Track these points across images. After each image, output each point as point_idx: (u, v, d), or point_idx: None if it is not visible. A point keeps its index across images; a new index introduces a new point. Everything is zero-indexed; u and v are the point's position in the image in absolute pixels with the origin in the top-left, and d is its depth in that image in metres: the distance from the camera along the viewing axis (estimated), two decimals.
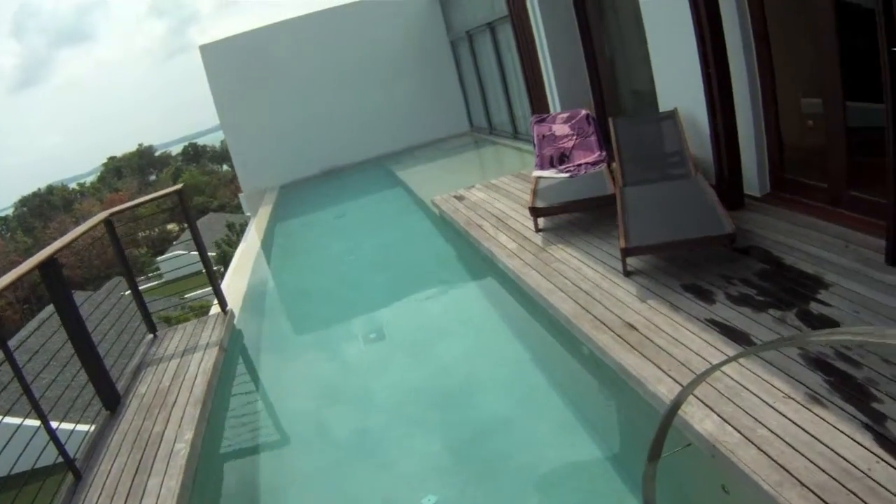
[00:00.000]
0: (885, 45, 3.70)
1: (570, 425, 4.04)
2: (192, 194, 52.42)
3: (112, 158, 75.01)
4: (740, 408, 3.08)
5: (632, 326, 4.15)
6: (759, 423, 2.95)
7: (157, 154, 78.08)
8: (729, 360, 1.98)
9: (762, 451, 2.78)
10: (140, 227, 43.42)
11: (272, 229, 11.53)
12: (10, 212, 68.40)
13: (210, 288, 6.77)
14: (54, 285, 4.88)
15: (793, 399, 3.05)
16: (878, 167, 4.03)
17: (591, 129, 7.65)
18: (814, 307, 3.85)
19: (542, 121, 8.07)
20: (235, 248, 13.75)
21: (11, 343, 4.62)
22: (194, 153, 73.73)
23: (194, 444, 4.30)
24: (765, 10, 5.33)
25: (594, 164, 7.21)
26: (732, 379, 3.30)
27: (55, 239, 5.37)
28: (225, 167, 61.96)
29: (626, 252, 4.86)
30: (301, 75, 15.15)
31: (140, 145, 75.91)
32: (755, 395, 3.15)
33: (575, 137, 7.66)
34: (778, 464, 2.68)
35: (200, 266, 6.66)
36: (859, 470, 2.55)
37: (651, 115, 6.90)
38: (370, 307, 6.99)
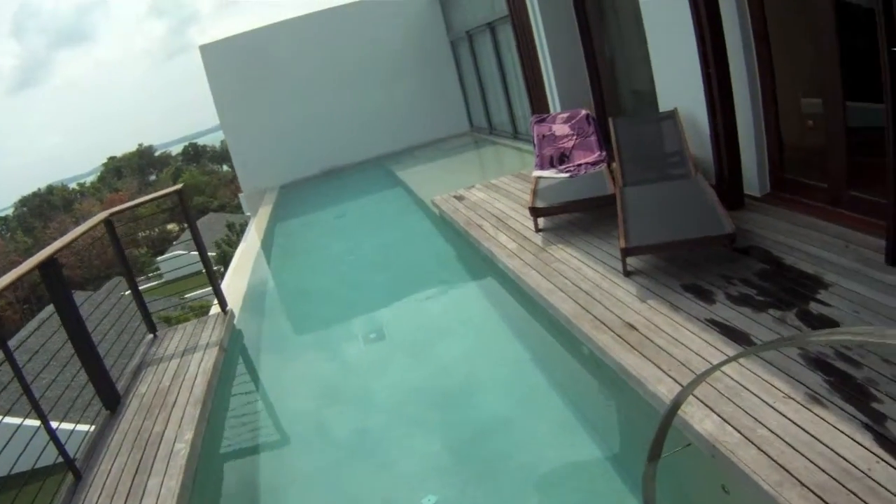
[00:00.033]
0: (885, 44, 3.70)
1: (570, 425, 4.04)
2: (192, 194, 52.43)
3: (112, 158, 75.01)
4: (740, 408, 3.08)
5: (632, 326, 4.15)
6: (759, 423, 2.95)
7: (157, 154, 78.08)
8: (728, 360, 1.98)
9: (762, 451, 2.77)
10: (140, 227, 43.44)
11: (272, 229, 11.53)
12: (10, 212, 68.42)
13: (210, 288, 6.77)
14: (54, 285, 4.88)
15: (793, 399, 3.05)
16: (879, 167, 4.03)
17: (591, 129, 7.65)
18: (814, 307, 3.85)
19: (542, 121, 8.07)
20: (235, 248, 13.75)
21: (11, 343, 4.62)
22: (194, 153, 73.74)
23: (194, 444, 4.30)
24: (765, 10, 5.33)
25: (594, 164, 7.21)
26: (732, 379, 3.30)
27: (55, 239, 5.37)
28: (225, 167, 61.97)
29: (626, 252, 4.86)
30: (301, 75, 15.15)
31: (140, 145, 75.93)
32: (755, 395, 3.15)
33: (575, 137, 7.66)
34: (778, 464, 2.68)
35: (200, 266, 6.66)
36: (859, 470, 2.55)
37: (651, 115, 6.90)
38: (370, 307, 6.99)
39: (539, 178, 7.27)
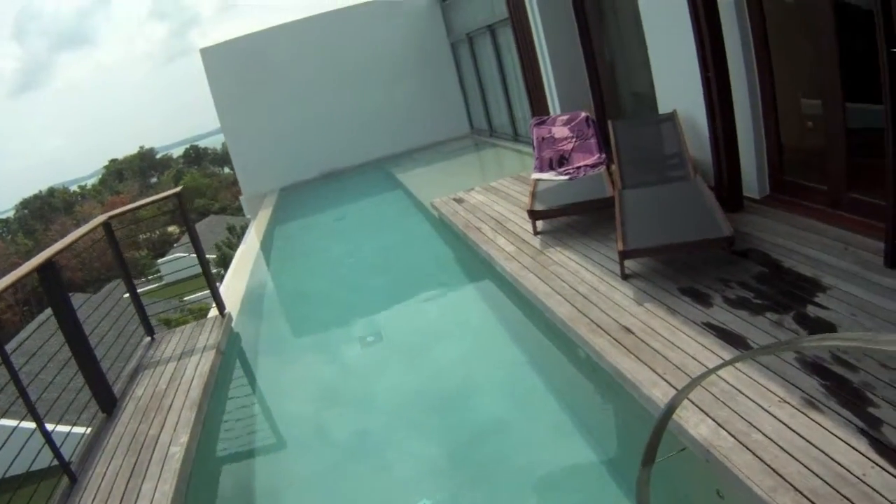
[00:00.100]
0: (885, 46, 3.69)
1: (566, 429, 4.02)
2: (193, 197, 52.46)
3: (113, 161, 75.12)
4: (735, 412, 3.06)
5: (628, 330, 4.14)
6: (754, 427, 2.93)
7: (158, 156, 78.19)
8: (721, 365, 1.96)
9: (756, 455, 2.76)
10: (141, 230, 43.50)
11: (271, 232, 11.52)
12: (11, 214, 68.54)
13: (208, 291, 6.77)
14: (52, 288, 4.88)
15: (788, 403, 3.03)
16: (878, 169, 4.02)
17: (590, 132, 7.64)
18: (811, 310, 3.83)
19: (541, 123, 8.06)
20: (236, 250, 13.75)
21: (10, 346, 4.62)
22: (196, 155, 73.86)
23: (189, 448, 4.29)
24: (764, 12, 5.32)
25: (593, 166, 7.20)
26: (728, 383, 3.28)
27: (56, 241, 5.37)
28: (226, 170, 62.05)
29: (623, 255, 4.85)
30: (301, 78, 15.14)
31: (141, 148, 76.03)
32: (750, 399, 3.13)
33: (574, 140, 7.65)
34: (772, 469, 2.66)
35: (200, 269, 6.64)
36: (854, 475, 2.53)
37: (650, 117, 6.89)
38: (368, 310, 6.97)
39: (538, 180, 7.26)
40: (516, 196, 8.04)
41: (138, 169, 72.43)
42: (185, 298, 18.49)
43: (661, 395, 3.37)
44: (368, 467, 4.21)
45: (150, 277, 37.64)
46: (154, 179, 70.89)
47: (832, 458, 2.64)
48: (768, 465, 2.69)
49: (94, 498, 3.95)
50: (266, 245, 10.73)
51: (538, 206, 6.42)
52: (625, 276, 4.92)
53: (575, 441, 3.89)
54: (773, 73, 5.44)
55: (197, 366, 5.48)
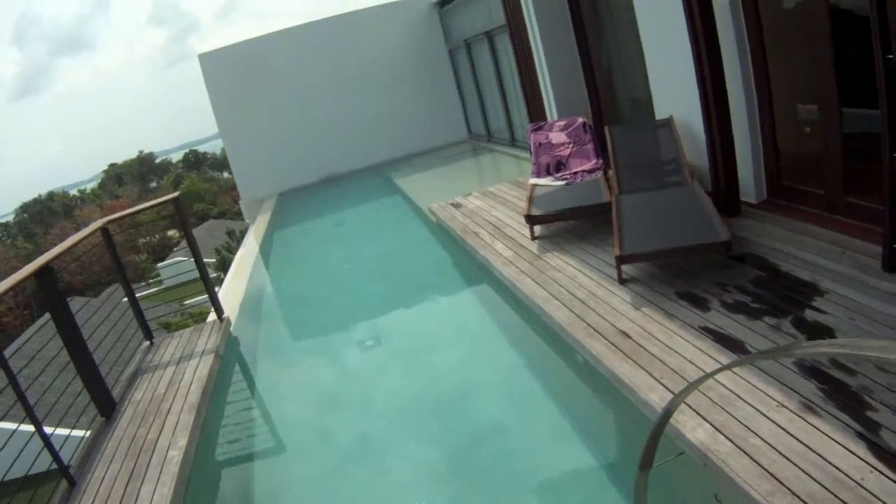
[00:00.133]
0: (880, 51, 3.70)
1: (564, 433, 4.03)
2: (192, 201, 52.42)
3: (113, 165, 75.06)
4: (733, 416, 3.07)
5: (625, 334, 4.14)
6: (752, 432, 2.94)
7: (157, 161, 78.11)
8: (718, 370, 1.97)
9: (754, 460, 2.76)
10: (140, 234, 43.44)
11: (270, 237, 11.52)
12: (10, 218, 68.48)
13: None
14: (50, 293, 4.88)
15: (786, 408, 3.04)
16: (875, 173, 4.03)
17: (587, 137, 7.66)
18: (809, 314, 3.84)
19: (538, 129, 8.07)
20: (235, 254, 13.77)
21: (9, 350, 4.62)
22: (195, 160, 73.84)
23: (188, 452, 4.29)
24: (760, 18, 5.34)
25: (590, 171, 7.22)
26: (726, 387, 3.29)
27: (55, 245, 5.38)
28: (225, 174, 61.98)
29: (620, 260, 4.86)
30: (300, 84, 15.16)
31: (141, 152, 75.95)
32: (748, 403, 3.14)
33: (571, 145, 7.67)
34: (769, 473, 2.67)
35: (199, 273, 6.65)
36: (852, 479, 2.53)
37: (647, 122, 6.90)
38: (367, 314, 6.98)
39: (535, 185, 7.27)
40: (514, 201, 8.05)
41: (137, 173, 72.38)
42: (186, 302, 18.52)
43: (658, 399, 3.38)
44: (367, 471, 4.21)
45: (151, 281, 37.65)
46: (153, 184, 70.85)
47: (830, 463, 2.65)
48: (766, 470, 2.70)
49: (93, 501, 3.95)
50: (265, 250, 10.74)
51: (535, 211, 6.43)
52: (622, 281, 4.93)
53: (573, 445, 3.90)
54: (769, 79, 5.46)
55: (195, 370, 5.49)
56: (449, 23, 15.16)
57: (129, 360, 6.23)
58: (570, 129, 7.79)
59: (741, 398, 3.19)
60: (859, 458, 2.64)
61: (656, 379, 3.56)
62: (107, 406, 5.12)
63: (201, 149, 79.26)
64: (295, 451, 4.68)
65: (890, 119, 3.75)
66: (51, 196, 67.33)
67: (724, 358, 3.60)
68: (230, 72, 14.86)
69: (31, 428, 4.12)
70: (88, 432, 4.94)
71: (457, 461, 4.06)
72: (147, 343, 6.48)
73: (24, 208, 65.88)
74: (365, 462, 4.31)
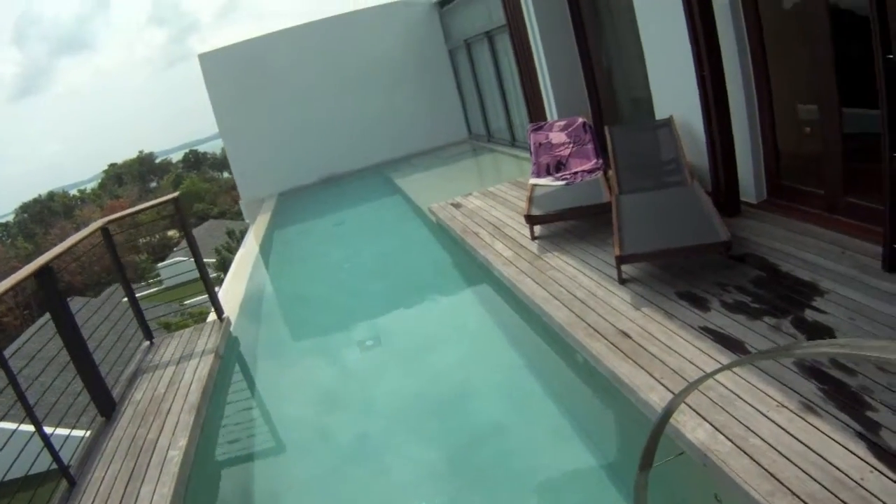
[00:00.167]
0: (880, 52, 3.70)
1: (564, 433, 4.03)
2: (192, 201, 52.43)
3: (113, 165, 75.08)
4: (733, 416, 3.07)
5: (625, 334, 4.14)
6: (752, 432, 2.94)
7: (157, 161, 78.13)
8: (717, 370, 1.97)
9: (754, 460, 2.76)
10: (141, 234, 43.44)
11: (270, 236, 11.53)
12: (10, 218, 68.50)
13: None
14: (50, 293, 4.88)
15: (786, 408, 3.04)
16: (875, 173, 4.03)
17: (587, 137, 7.66)
18: (809, 314, 3.84)
19: (538, 129, 8.07)
20: (235, 254, 13.78)
21: (9, 350, 4.62)
22: (195, 160, 73.85)
23: (187, 452, 4.29)
24: (760, 18, 5.34)
25: (590, 171, 7.22)
26: (726, 387, 3.28)
27: (55, 245, 5.38)
28: (226, 174, 61.98)
29: (620, 260, 4.86)
30: (300, 84, 15.15)
31: (141, 152, 75.95)
32: (748, 403, 3.14)
33: (571, 145, 7.67)
34: (769, 473, 2.67)
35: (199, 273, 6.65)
36: (852, 479, 2.53)
37: (647, 122, 6.90)
38: (367, 314, 6.98)
39: (535, 185, 7.27)
40: (514, 201, 8.05)
41: (138, 173, 72.39)
42: (186, 302, 18.52)
43: (658, 399, 3.38)
44: (367, 471, 4.21)
45: (151, 281, 37.65)
46: (153, 184, 70.85)
47: (830, 463, 2.65)
48: (766, 470, 2.69)
49: (93, 501, 3.95)
50: (265, 249, 10.74)
51: (535, 211, 6.43)
52: (622, 281, 4.93)
53: (573, 445, 3.90)
54: (769, 79, 5.46)
55: (195, 370, 5.49)
56: (449, 23, 15.16)
57: (129, 360, 6.23)
58: (570, 129, 7.79)
59: (741, 398, 3.19)
60: (859, 458, 2.64)
61: (656, 379, 3.56)
62: (107, 406, 5.12)
63: (201, 149, 79.28)
64: (295, 451, 4.68)
65: (890, 119, 3.75)
66: (51, 196, 67.35)
67: (724, 358, 3.60)
68: (230, 72, 14.85)
69: (31, 428, 4.12)
70: (88, 432, 4.94)
71: (457, 461, 4.06)
72: (147, 343, 6.48)
73: (24, 208, 65.90)
74: (365, 462, 4.31)
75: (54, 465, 4.21)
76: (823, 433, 2.83)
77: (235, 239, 24.95)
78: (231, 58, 14.91)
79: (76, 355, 4.94)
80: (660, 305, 4.41)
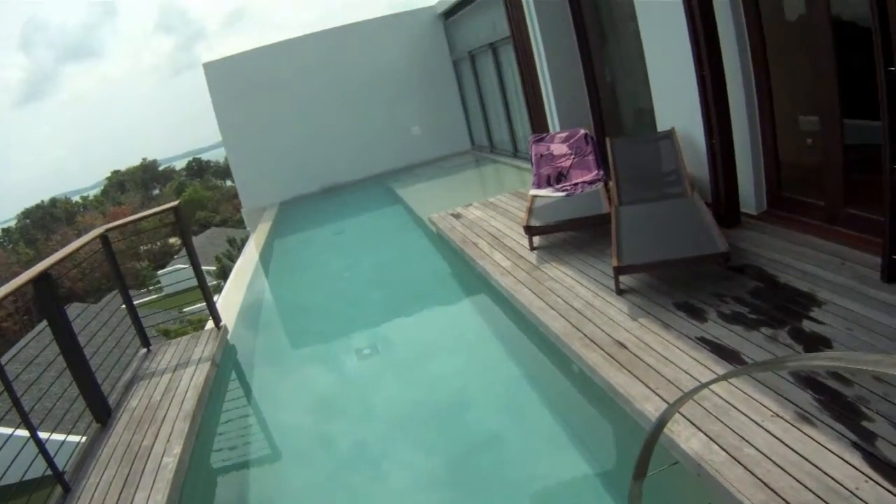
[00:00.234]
0: (882, 63, 3.71)
1: (560, 442, 4.01)
2: (194, 209, 52.56)
3: (116, 172, 75.38)
4: (728, 426, 3.05)
5: (622, 345, 4.13)
6: (747, 442, 2.92)
7: (160, 168, 78.45)
8: (708, 383, 1.96)
9: (748, 470, 2.75)
10: (142, 241, 43.56)
11: (271, 245, 11.53)
12: (13, 223, 68.67)
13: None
14: (47, 300, 4.88)
15: (781, 418, 3.03)
16: (875, 184, 4.03)
17: (588, 149, 7.67)
18: (806, 325, 3.83)
19: (540, 140, 8.09)
20: (236, 262, 13.80)
21: (7, 356, 4.63)
22: (198, 168, 74.12)
23: (182, 459, 4.28)
24: (763, 30, 5.35)
25: (591, 182, 7.22)
26: (720, 397, 3.27)
27: (56, 251, 5.39)
28: (228, 182, 62.16)
29: (618, 270, 4.85)
30: (304, 94, 15.19)
31: (144, 160, 76.26)
32: (743, 413, 3.12)
33: (573, 157, 7.68)
34: (764, 483, 2.65)
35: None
36: (846, 489, 2.52)
37: (649, 134, 6.91)
38: (366, 323, 6.97)
39: (535, 196, 7.27)
40: (514, 212, 8.06)
41: (140, 180, 72.67)
42: (185, 310, 18.52)
43: (653, 409, 3.36)
44: (363, 479, 4.20)
45: (151, 288, 37.69)
46: (156, 191, 71.10)
47: (825, 473, 2.63)
48: (760, 480, 2.68)
49: None
50: (265, 258, 10.74)
51: (534, 222, 6.43)
52: (619, 292, 4.92)
53: (568, 454, 3.88)
54: (771, 90, 5.47)
55: (192, 377, 5.48)
56: (453, 34, 15.21)
57: (125, 367, 6.23)
58: (571, 141, 7.80)
59: (736, 408, 3.17)
60: (854, 467, 2.62)
61: (651, 389, 3.55)
62: (102, 412, 5.11)
63: (205, 157, 79.53)
64: (290, 459, 4.66)
65: (891, 130, 3.76)
66: (53, 202, 67.58)
67: (720, 368, 3.59)
68: (234, 81, 14.90)
69: (26, 433, 4.11)
70: (84, 438, 4.93)
71: (454, 469, 4.04)
72: (144, 350, 6.47)
73: (27, 214, 66.12)
74: (361, 470, 4.30)
75: (49, 471, 4.19)
76: (819, 443, 2.81)
77: (236, 247, 24.98)
78: (235, 67, 14.97)
79: (73, 362, 4.93)
80: (657, 316, 4.40)
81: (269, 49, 15.21)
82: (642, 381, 3.66)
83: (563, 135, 7.97)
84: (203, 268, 6.80)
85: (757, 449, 2.86)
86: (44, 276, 4.85)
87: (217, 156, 72.71)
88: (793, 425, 2.96)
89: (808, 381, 3.26)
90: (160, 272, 38.50)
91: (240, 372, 6.24)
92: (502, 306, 5.82)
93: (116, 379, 5.95)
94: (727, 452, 2.88)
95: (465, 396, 4.88)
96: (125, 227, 6.67)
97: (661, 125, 6.83)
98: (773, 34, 5.34)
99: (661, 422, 2.04)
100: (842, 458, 2.69)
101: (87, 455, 4.64)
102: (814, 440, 2.83)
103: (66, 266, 5.59)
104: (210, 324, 6.81)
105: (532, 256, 6.26)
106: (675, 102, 6.46)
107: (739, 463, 2.80)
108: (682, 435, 3.07)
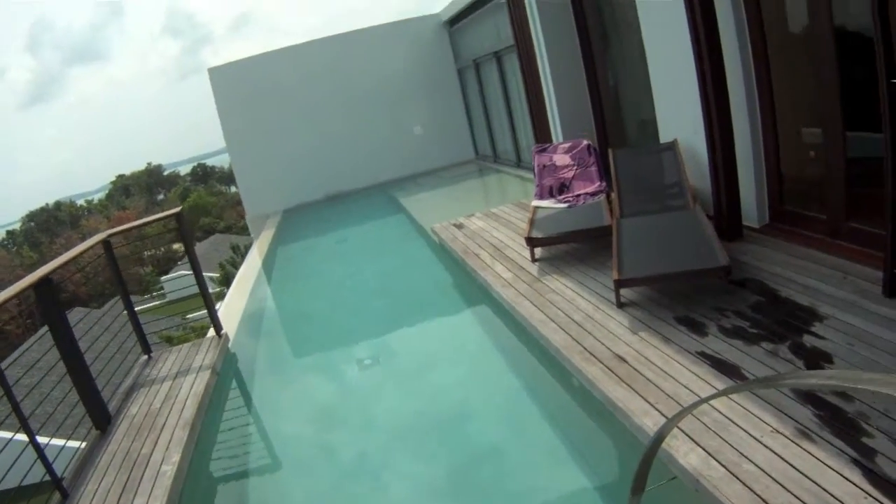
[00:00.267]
0: (885, 75, 3.70)
1: (559, 456, 4.00)
2: (199, 215, 52.62)
3: (121, 176, 75.55)
4: (727, 442, 3.04)
5: (621, 359, 4.12)
6: (745, 457, 2.91)
7: (165, 173, 78.59)
8: (708, 398, 1.95)
9: (747, 486, 2.74)
10: (146, 247, 43.63)
11: (273, 252, 11.53)
12: (17, 226, 68.81)
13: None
14: (48, 305, 4.89)
15: (781, 433, 3.01)
16: (878, 198, 4.02)
17: (591, 160, 7.67)
18: (807, 340, 3.82)
19: (543, 151, 8.09)
20: (239, 269, 13.80)
21: (7, 360, 4.63)
22: (203, 174, 74.29)
23: (181, 467, 4.27)
24: (765, 42, 5.36)
25: (593, 194, 7.22)
26: (720, 412, 3.26)
27: (59, 255, 5.40)
28: (233, 188, 62.25)
29: (619, 283, 4.84)
30: (308, 101, 15.22)
31: (149, 164, 76.41)
32: (742, 429, 3.11)
33: (575, 168, 7.68)
34: (762, 499, 2.64)
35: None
36: None
37: (651, 146, 6.91)
38: (367, 333, 6.96)
39: (537, 207, 7.27)
40: (516, 223, 8.06)
41: (145, 185, 72.83)
42: (188, 316, 18.53)
43: (652, 424, 3.35)
44: (363, 489, 4.18)
45: (155, 294, 37.73)
46: (161, 196, 71.23)
47: (825, 489, 2.62)
48: (759, 496, 2.67)
49: None
50: (268, 265, 10.75)
51: (536, 234, 6.42)
52: (620, 305, 4.91)
53: (567, 468, 3.87)
54: (773, 103, 5.47)
55: (192, 385, 5.48)
56: (458, 42, 15.24)
57: (126, 374, 6.22)
58: (574, 152, 7.80)
59: (735, 423, 3.16)
60: (854, 484, 2.61)
61: (651, 404, 3.54)
62: (102, 419, 5.10)
63: (210, 162, 79.70)
64: (290, 470, 4.65)
65: (893, 143, 3.75)
66: (58, 205, 67.76)
67: (720, 383, 3.58)
68: (239, 86, 14.94)
69: (25, 438, 4.11)
70: (83, 444, 4.93)
71: (454, 481, 4.03)
72: (145, 357, 6.47)
73: (31, 217, 66.26)
74: (361, 481, 4.28)
75: (47, 477, 4.19)
76: (818, 459, 2.80)
77: (240, 254, 25.01)
78: (240, 72, 15.00)
79: (73, 368, 4.93)
80: (657, 330, 4.39)
81: (274, 55, 15.26)
82: (641, 395, 3.65)
83: (566, 145, 7.98)
84: (206, 274, 6.81)
85: (756, 465, 2.85)
86: (45, 281, 4.86)
87: (222, 161, 72.77)
88: (792, 441, 2.95)
89: (808, 396, 3.24)
90: (164, 278, 38.55)
91: (240, 380, 6.24)
92: (503, 318, 5.81)
93: (117, 385, 5.95)
94: (726, 468, 2.87)
95: (466, 408, 4.87)
96: (128, 232, 6.68)
97: (665, 136, 6.83)
98: (776, 46, 5.35)
99: (660, 436, 2.03)
100: (841, 475, 2.67)
101: (85, 461, 4.63)
102: (813, 456, 2.82)
103: (68, 270, 5.59)
104: (211, 331, 6.81)
105: (533, 268, 6.26)
106: (678, 113, 6.46)
107: (738, 479, 2.79)
108: (681, 450, 3.06)
